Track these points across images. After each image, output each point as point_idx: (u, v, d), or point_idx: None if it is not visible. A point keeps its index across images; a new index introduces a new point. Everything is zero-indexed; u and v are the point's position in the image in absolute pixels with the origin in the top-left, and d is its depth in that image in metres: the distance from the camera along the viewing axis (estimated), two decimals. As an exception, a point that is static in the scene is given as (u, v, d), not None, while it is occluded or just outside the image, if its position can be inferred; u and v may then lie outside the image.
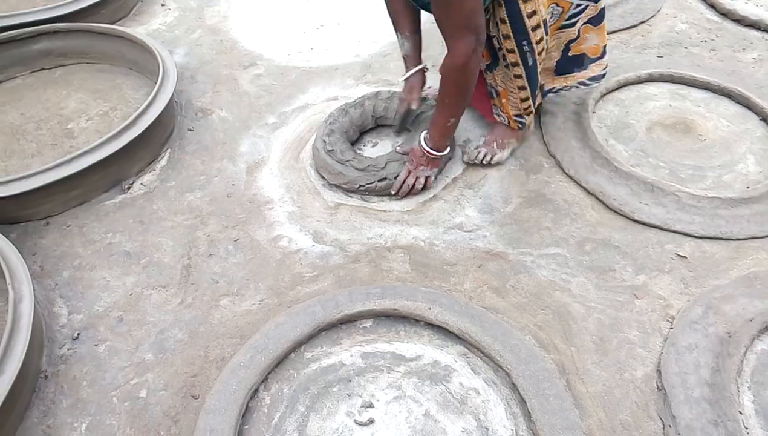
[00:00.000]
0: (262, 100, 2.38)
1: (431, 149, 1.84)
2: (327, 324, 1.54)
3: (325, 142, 1.95)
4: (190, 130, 2.22)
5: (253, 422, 1.38)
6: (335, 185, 1.94)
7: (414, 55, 1.99)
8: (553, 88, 2.01)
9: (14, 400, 1.35)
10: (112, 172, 1.95)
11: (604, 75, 2.00)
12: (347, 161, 1.90)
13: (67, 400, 1.45)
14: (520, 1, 1.64)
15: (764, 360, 1.48)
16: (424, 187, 1.93)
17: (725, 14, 2.79)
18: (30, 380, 1.44)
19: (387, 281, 1.68)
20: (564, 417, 1.34)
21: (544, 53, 1.81)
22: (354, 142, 2.11)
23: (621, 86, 2.35)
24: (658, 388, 1.44)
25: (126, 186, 1.98)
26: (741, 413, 1.36)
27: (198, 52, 2.65)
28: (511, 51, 1.75)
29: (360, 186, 1.89)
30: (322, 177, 1.97)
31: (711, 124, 2.19)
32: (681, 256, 1.74)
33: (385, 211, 1.89)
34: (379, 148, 2.11)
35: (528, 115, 1.98)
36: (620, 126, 2.19)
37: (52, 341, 1.56)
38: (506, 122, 2.02)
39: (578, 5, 1.78)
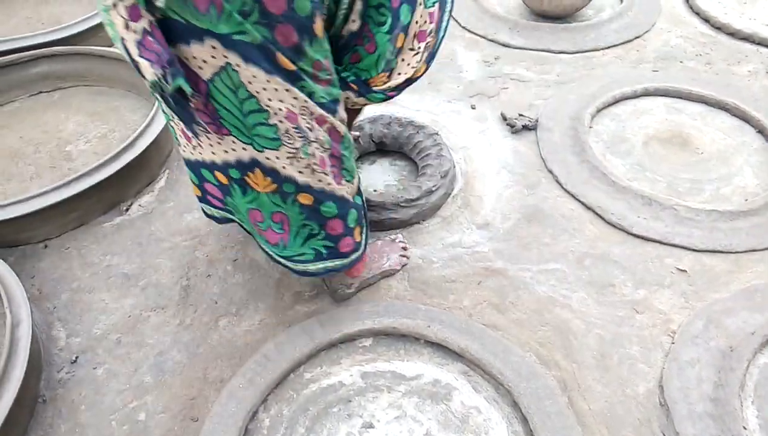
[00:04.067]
0: (260, 119, 2.38)
1: None
2: (326, 344, 1.54)
3: None
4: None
5: (252, 444, 1.37)
6: None
7: None
8: None
9: (12, 425, 1.34)
10: (111, 194, 1.95)
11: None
12: None
13: (66, 424, 1.44)
14: None
15: (767, 374, 1.47)
16: None
17: (719, 28, 2.81)
18: (28, 405, 1.43)
19: (386, 299, 1.67)
20: (566, 435, 1.33)
21: None
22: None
23: (617, 101, 2.36)
24: (660, 404, 1.43)
25: (124, 208, 1.98)
26: (745, 429, 1.35)
27: (196, 73, 2.66)
28: None
29: None
30: None
31: (708, 138, 2.19)
32: (681, 270, 1.74)
33: (382, 229, 1.89)
34: (377, 165, 2.12)
35: None
36: (617, 140, 2.19)
37: (50, 365, 1.55)
38: None
39: None
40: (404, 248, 1.79)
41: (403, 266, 1.77)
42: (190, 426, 1.42)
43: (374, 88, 1.34)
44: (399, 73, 1.35)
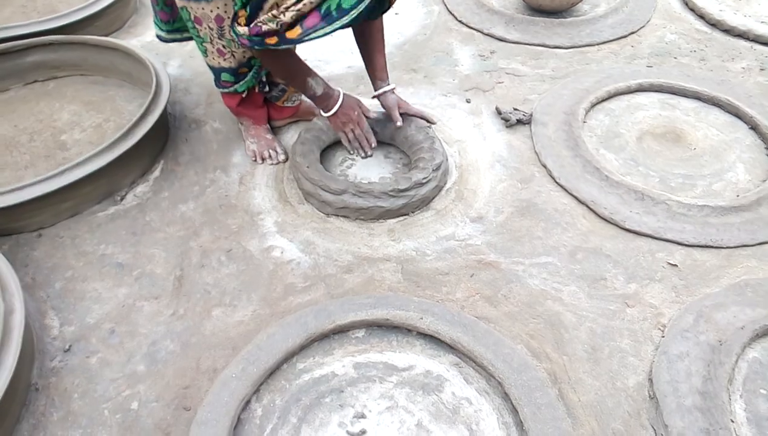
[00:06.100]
0: (255, 111, 2.38)
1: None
2: (319, 335, 1.54)
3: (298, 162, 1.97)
4: (183, 141, 2.22)
5: (245, 434, 1.38)
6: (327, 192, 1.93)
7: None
8: None
9: (3, 414, 1.35)
10: (105, 183, 1.95)
11: None
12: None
13: (58, 413, 1.44)
14: None
15: (756, 368, 1.48)
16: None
17: (714, 25, 2.82)
18: (20, 394, 1.43)
19: (379, 291, 1.68)
20: (556, 427, 1.34)
21: None
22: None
23: (611, 96, 2.37)
24: (650, 396, 1.45)
25: (119, 197, 1.98)
26: (733, 422, 1.36)
27: (192, 64, 2.66)
28: None
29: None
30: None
31: (701, 134, 2.21)
32: (672, 264, 1.75)
33: (370, 218, 1.90)
34: (372, 159, 2.12)
35: None
36: (611, 135, 2.20)
37: (43, 354, 1.55)
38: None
39: None
40: (264, 157, 2.12)
41: (253, 161, 2.13)
42: (183, 415, 1.43)
43: (237, 28, 1.62)
44: (255, 24, 1.57)
